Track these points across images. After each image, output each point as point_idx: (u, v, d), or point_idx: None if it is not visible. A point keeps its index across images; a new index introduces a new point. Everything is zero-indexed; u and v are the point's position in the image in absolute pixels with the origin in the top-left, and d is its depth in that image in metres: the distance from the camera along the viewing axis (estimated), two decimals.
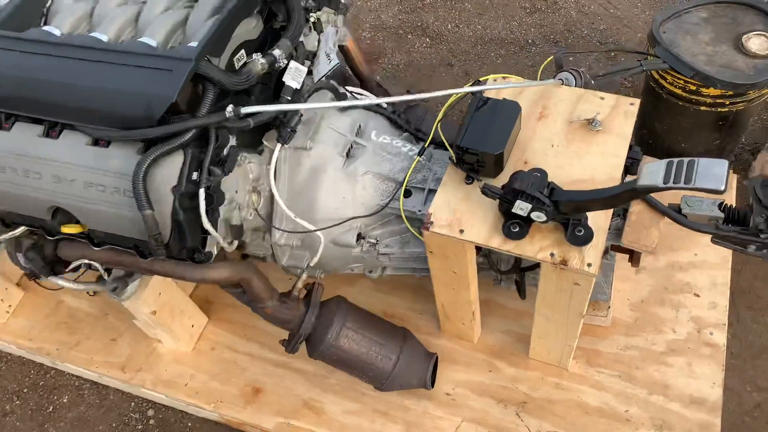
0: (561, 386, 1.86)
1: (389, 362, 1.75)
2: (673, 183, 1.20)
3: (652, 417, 1.78)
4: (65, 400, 2.20)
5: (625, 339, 1.93)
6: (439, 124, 1.69)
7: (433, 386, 1.83)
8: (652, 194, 1.47)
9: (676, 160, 1.23)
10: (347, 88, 1.82)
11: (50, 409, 2.19)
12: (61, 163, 1.36)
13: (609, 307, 1.92)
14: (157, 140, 1.30)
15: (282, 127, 1.52)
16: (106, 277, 1.72)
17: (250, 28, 1.49)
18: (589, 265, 1.40)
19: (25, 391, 2.24)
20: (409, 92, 2.17)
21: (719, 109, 2.08)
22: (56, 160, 1.36)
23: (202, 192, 1.32)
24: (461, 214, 1.51)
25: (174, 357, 2.06)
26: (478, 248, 1.63)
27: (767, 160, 2.36)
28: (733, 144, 2.34)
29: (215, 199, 1.38)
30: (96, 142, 1.36)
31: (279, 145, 1.55)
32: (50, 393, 2.23)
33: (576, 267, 1.40)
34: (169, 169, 1.31)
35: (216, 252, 1.45)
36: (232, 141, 1.43)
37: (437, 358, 1.86)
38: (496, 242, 1.46)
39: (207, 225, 1.35)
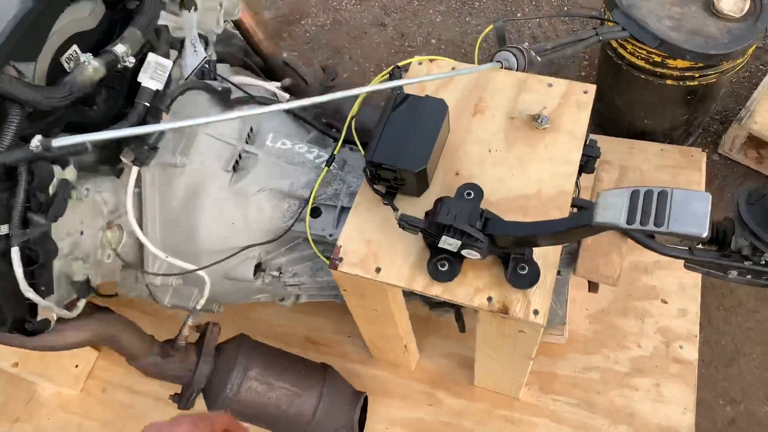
0: (512, 419, 1.61)
1: (306, 412, 1.46)
2: (640, 224, 0.90)
3: None
4: None
5: (584, 358, 1.67)
6: (353, 122, 1.35)
7: (361, 431, 1.56)
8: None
9: (642, 189, 0.93)
10: (235, 79, 1.45)
11: None
12: None
13: (565, 324, 1.65)
14: None
15: (137, 145, 1.16)
16: None
17: (82, 15, 1.11)
18: (536, 312, 1.11)
19: None
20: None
21: (688, 83, 1.77)
22: None
23: (14, 251, 0.97)
24: (378, 247, 1.20)
25: (58, 402, 1.73)
26: None
27: (738, 133, 2.08)
28: (702, 118, 2.05)
29: (41, 254, 1.03)
30: None
31: (135, 169, 1.19)
32: None
33: (519, 317, 1.11)
34: None
35: (54, 320, 1.11)
36: (65, 173, 1.07)
37: (366, 397, 1.57)
38: (420, 284, 1.15)
39: (29, 293, 1.01)
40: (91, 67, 1.04)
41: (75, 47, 1.09)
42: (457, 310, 1.46)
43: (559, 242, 1.10)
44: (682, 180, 1.92)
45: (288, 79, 1.70)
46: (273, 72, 1.77)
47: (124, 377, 1.76)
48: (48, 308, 1.06)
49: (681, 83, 1.77)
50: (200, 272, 1.28)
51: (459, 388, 1.66)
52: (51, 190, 1.03)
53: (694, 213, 0.87)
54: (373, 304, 1.31)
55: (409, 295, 1.48)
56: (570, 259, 1.29)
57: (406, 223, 1.11)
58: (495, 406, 1.63)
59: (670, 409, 1.58)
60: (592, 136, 1.91)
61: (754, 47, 1.71)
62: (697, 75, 1.74)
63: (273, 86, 1.57)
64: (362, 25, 2.67)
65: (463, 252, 1.10)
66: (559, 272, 1.50)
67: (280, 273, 1.40)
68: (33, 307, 1.06)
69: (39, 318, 1.07)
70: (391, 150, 1.18)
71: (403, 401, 1.65)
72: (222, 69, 1.52)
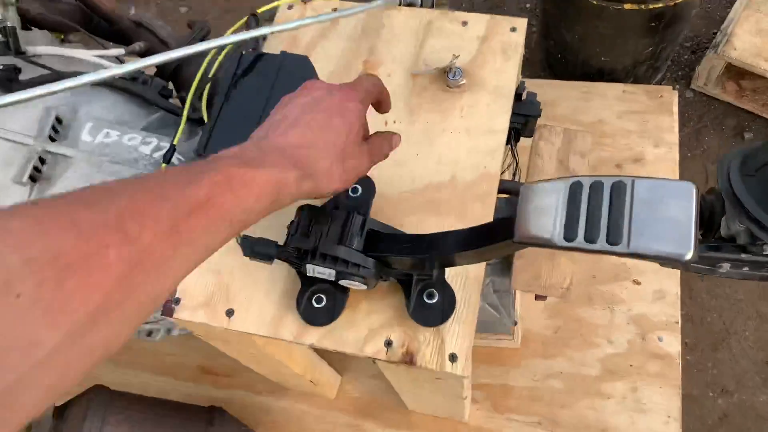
0: None
1: None
2: (585, 241, 0.56)
3: None
4: None
5: (544, 363, 1.36)
6: (203, 92, 0.97)
7: None
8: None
9: (586, 181, 0.59)
10: (44, 49, 1.06)
11: None
12: None
13: (516, 324, 1.32)
14: None
15: None
16: None
17: None
18: (452, 357, 0.77)
19: None
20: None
21: (651, 5, 1.41)
22: None
23: None
24: (230, 278, 0.84)
25: None
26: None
27: (714, 64, 1.74)
28: (670, 48, 1.70)
29: None
30: None
31: None
32: None
33: (430, 367, 0.77)
34: None
35: None
36: None
37: None
38: (290, 332, 0.81)
39: None
40: None
41: None
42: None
43: (472, 262, 0.75)
44: (651, 127, 1.58)
45: (140, 42, 1.30)
46: (124, 36, 1.37)
47: None
48: None
49: (642, 6, 1.41)
50: None
51: (392, 415, 1.33)
52: None
53: (669, 219, 0.54)
54: (245, 349, 0.97)
55: None
56: (504, 267, 0.95)
57: (249, 250, 0.75)
58: (436, 430, 1.31)
59: (651, 419, 1.28)
60: (537, 83, 1.56)
61: None
62: None
63: (115, 53, 1.18)
64: None
65: (343, 283, 0.76)
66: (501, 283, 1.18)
67: None
68: None
69: None
70: (235, 137, 0.82)
71: None
72: (36, 36, 1.14)
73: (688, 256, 0.53)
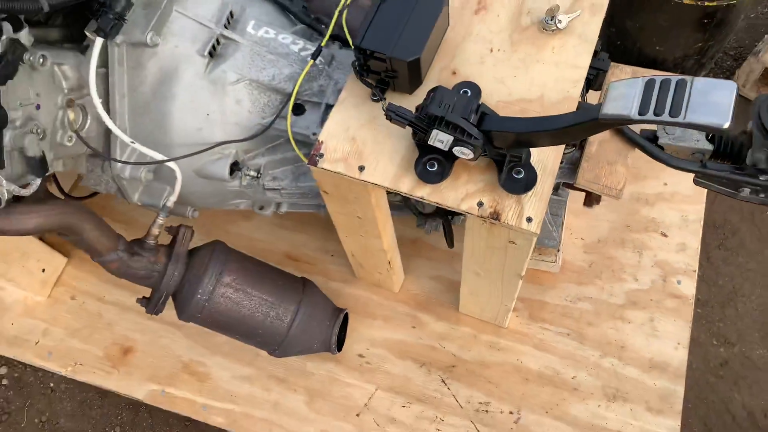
0: (497, 346, 1.54)
1: (282, 325, 1.38)
2: (654, 115, 0.80)
3: (604, 386, 1.49)
4: None
5: (577, 288, 1.60)
6: (345, 11, 1.23)
7: (340, 350, 1.49)
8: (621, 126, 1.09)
9: (658, 78, 0.83)
10: None
11: None
12: None
13: (559, 251, 1.56)
14: None
15: (101, 12, 1.05)
16: None
17: None
18: (529, 219, 1.02)
19: None
20: None
21: (706, 3, 1.64)
22: None
23: None
24: (362, 145, 1.10)
25: (23, 308, 1.66)
26: None
27: (754, 68, 1.96)
28: (717, 47, 1.92)
29: None
30: None
31: (99, 40, 1.08)
32: None
33: (511, 223, 1.02)
34: None
35: (6, 197, 1.01)
36: (18, 33, 0.96)
37: (347, 314, 1.50)
38: (406, 186, 1.06)
39: None
40: None
41: None
42: (447, 222, 1.37)
43: (563, 141, 1.00)
44: None
45: None
46: None
47: (94, 286, 1.68)
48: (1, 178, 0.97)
49: (699, 3, 1.64)
50: (170, 164, 1.18)
51: (444, 311, 1.59)
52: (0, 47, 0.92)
53: (715, 103, 0.78)
54: (355, 211, 1.22)
55: (396, 208, 1.40)
56: (571, 170, 1.19)
57: (393, 113, 1.00)
58: (480, 331, 1.56)
59: (663, 343, 1.52)
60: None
61: None
62: None
63: None
64: None
65: (455, 150, 1.00)
66: (558, 190, 1.42)
67: (259, 174, 1.30)
68: None
69: None
70: (383, 37, 1.07)
71: (386, 322, 1.58)
72: None
73: (726, 125, 0.76)
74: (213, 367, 1.56)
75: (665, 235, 1.65)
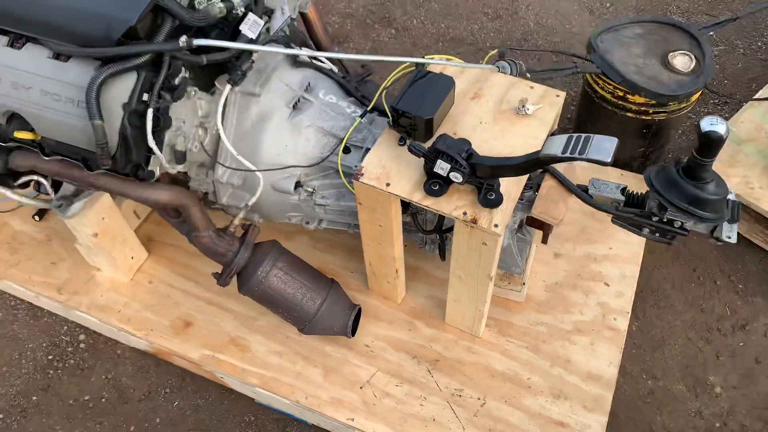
0: (472, 350, 2.01)
1: (313, 306, 1.87)
2: (570, 153, 1.35)
3: (552, 387, 1.93)
4: None
5: (536, 315, 2.08)
6: (383, 93, 1.83)
7: (353, 335, 1.96)
8: (553, 164, 1.64)
9: (575, 135, 1.38)
10: (303, 49, 1.95)
11: None
12: (21, 71, 1.46)
13: (523, 283, 2.07)
14: (114, 60, 1.41)
15: (233, 69, 1.65)
16: (52, 193, 1.82)
17: None
18: (495, 225, 1.55)
19: None
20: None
21: (644, 117, 2.26)
22: (16, 68, 1.47)
23: (150, 112, 1.44)
24: (390, 170, 1.65)
25: (111, 285, 2.16)
26: (405, 207, 1.77)
27: None
28: (657, 153, 2.52)
29: (162, 121, 1.49)
30: (57, 57, 1.46)
31: (229, 87, 1.67)
32: None
33: (484, 227, 1.54)
34: (122, 87, 1.42)
35: (158, 172, 1.56)
36: (185, 73, 1.55)
37: (360, 309, 1.99)
38: (417, 197, 1.60)
39: (151, 143, 1.47)
40: (218, 6, 1.53)
41: None
42: (441, 238, 1.89)
43: (519, 173, 1.55)
44: None
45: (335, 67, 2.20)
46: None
47: (167, 275, 2.18)
48: (157, 160, 1.52)
49: (638, 117, 2.26)
50: (257, 173, 1.73)
51: (434, 321, 2.06)
52: (177, 80, 1.50)
53: (605, 148, 1.33)
54: (379, 219, 1.75)
55: (405, 230, 1.92)
56: (527, 206, 1.72)
57: (414, 147, 1.56)
58: (460, 338, 2.03)
59: (599, 361, 1.98)
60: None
61: (697, 95, 2.20)
62: (651, 111, 2.23)
63: (328, 64, 2.07)
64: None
65: (451, 175, 1.55)
66: (522, 228, 1.95)
67: (314, 191, 1.85)
68: (146, 159, 1.52)
69: (149, 168, 1.52)
70: (411, 103, 1.65)
71: (388, 324, 2.06)
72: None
73: (608, 160, 1.31)
74: (253, 343, 2.02)
75: (607, 285, 2.15)
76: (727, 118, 2.64)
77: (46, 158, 1.59)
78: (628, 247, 2.23)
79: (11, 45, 1.49)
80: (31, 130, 1.55)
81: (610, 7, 3.42)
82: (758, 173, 2.38)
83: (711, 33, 2.40)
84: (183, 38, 1.42)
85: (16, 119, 1.55)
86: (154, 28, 1.46)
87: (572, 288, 2.15)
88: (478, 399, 1.91)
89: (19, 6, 1.46)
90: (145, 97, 1.44)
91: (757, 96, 2.63)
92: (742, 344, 2.21)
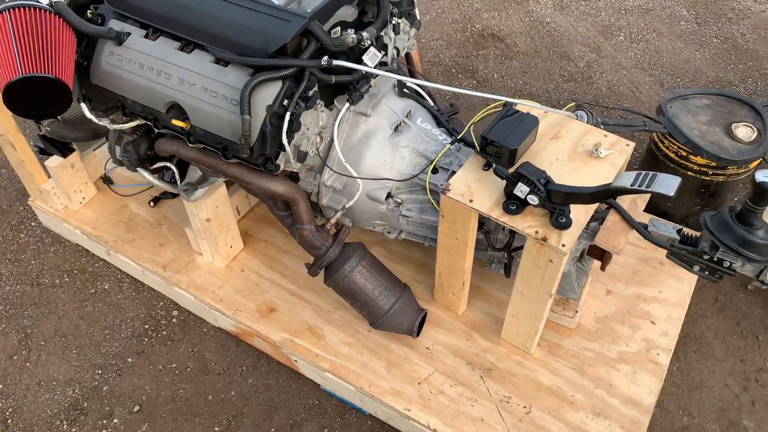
0: (522, 364, 2.21)
1: (387, 303, 2.11)
2: (638, 186, 1.59)
3: (593, 405, 2.11)
4: (106, 287, 2.59)
5: (585, 342, 2.27)
6: (472, 126, 2.11)
7: (417, 335, 2.19)
8: (621, 195, 1.87)
9: (644, 172, 1.63)
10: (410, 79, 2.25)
11: (92, 291, 2.57)
12: (188, 70, 1.79)
13: (576, 311, 2.27)
14: (265, 69, 1.73)
15: (353, 91, 1.95)
16: (179, 181, 2.13)
17: (348, 12, 1.94)
18: (563, 245, 1.78)
19: (75, 272, 2.63)
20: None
21: (703, 177, 2.47)
22: (185, 67, 1.80)
23: (287, 115, 1.74)
24: (474, 189, 1.91)
25: (209, 269, 2.45)
26: (480, 225, 2.01)
27: None
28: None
29: (294, 124, 1.79)
30: (218, 62, 1.79)
31: (347, 105, 1.97)
32: (95, 278, 2.61)
33: (553, 245, 1.78)
34: (268, 92, 1.72)
35: (283, 167, 1.85)
36: (316, 88, 1.85)
37: (426, 313, 2.22)
38: (496, 214, 1.85)
39: (285, 140, 1.76)
40: (351, 36, 1.84)
41: (338, 28, 1.91)
42: (509, 257, 2.12)
43: (589, 201, 1.78)
44: None
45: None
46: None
47: (257, 266, 2.46)
48: (285, 157, 1.81)
49: (698, 176, 2.47)
50: (357, 180, 2.01)
51: (490, 334, 2.27)
52: (311, 92, 1.81)
53: (669, 184, 1.56)
54: (456, 232, 2.00)
55: (476, 249, 2.16)
56: (591, 236, 1.95)
57: (499, 170, 1.82)
58: (513, 353, 2.23)
59: (640, 389, 2.15)
60: None
61: (756, 162, 2.41)
62: (710, 172, 2.44)
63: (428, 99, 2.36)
64: (474, 103, 3.51)
65: (528, 198, 1.80)
66: (582, 259, 2.16)
67: (401, 203, 2.11)
68: (276, 154, 1.81)
69: (276, 161, 1.82)
70: (499, 134, 1.92)
71: (448, 332, 2.28)
72: None
73: (672, 194, 1.54)
74: (327, 332, 2.27)
75: (654, 323, 2.33)
76: None
77: (191, 145, 1.90)
78: (677, 293, 2.41)
79: (182, 49, 1.83)
80: (185, 120, 1.86)
81: (680, 82, 3.68)
82: None
83: None
84: (326, 58, 1.73)
85: (174, 110, 1.87)
86: (299, 48, 1.77)
87: (620, 322, 2.33)
88: (524, 407, 2.10)
89: (193, 18, 1.80)
90: (285, 102, 1.74)
91: None
92: None
